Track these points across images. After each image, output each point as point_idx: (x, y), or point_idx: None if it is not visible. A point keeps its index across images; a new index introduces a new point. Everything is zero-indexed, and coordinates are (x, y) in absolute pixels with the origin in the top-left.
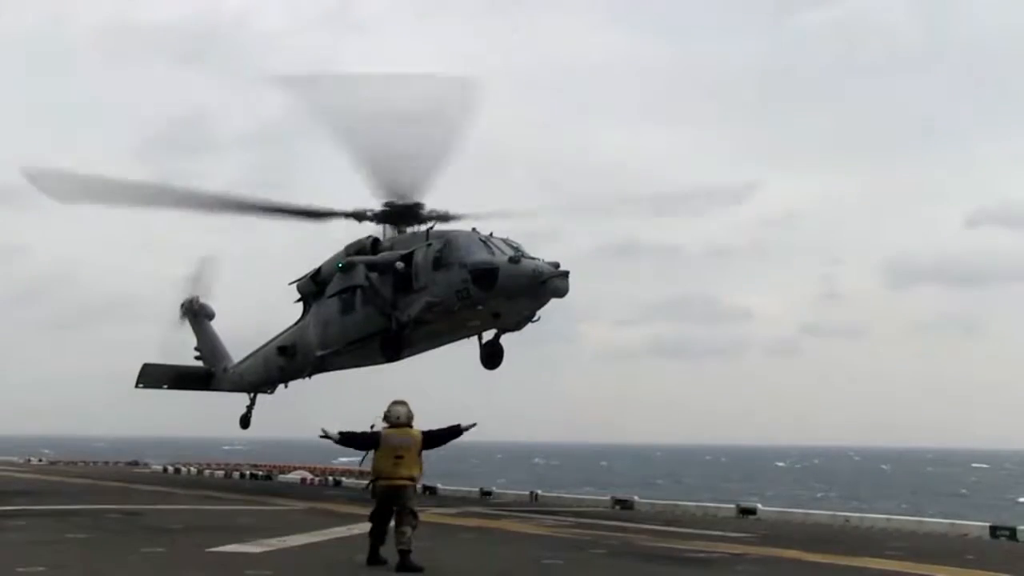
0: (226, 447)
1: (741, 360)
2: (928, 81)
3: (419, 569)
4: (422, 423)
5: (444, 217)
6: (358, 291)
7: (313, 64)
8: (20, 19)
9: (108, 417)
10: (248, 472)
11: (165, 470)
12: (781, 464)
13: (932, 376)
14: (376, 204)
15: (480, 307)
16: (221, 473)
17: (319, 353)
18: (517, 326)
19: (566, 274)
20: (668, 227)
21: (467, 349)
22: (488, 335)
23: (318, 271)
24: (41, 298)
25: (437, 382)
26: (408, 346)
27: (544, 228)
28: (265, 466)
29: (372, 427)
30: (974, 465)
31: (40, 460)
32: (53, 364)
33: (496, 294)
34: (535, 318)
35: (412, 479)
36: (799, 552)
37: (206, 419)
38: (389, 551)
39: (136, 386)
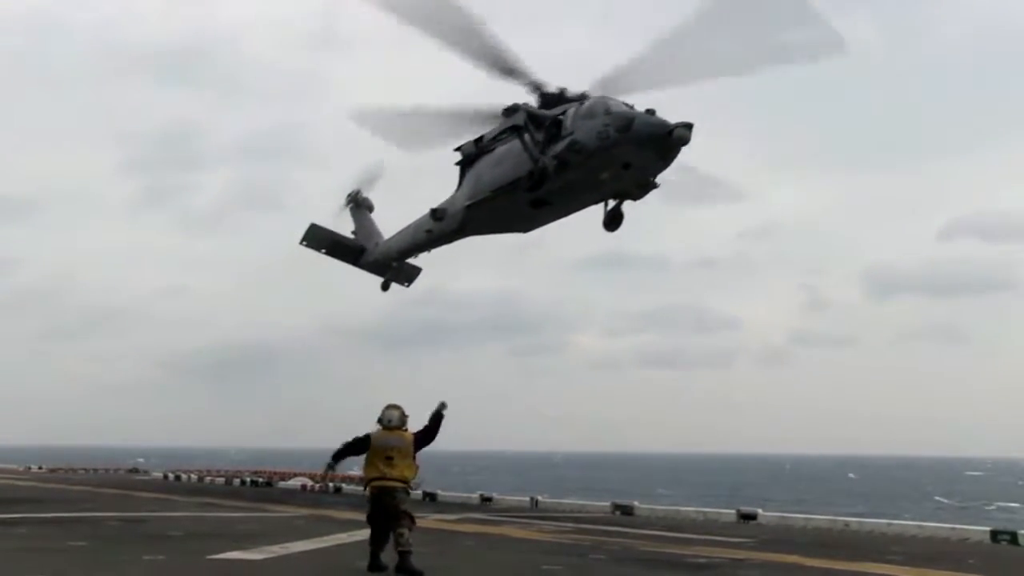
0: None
1: (728, 370)
2: (903, 95)
3: (418, 572)
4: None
5: (583, 100)
6: (514, 135)
7: (300, 79)
8: (14, 38)
9: (99, 428)
10: (248, 479)
11: (165, 477)
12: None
13: (917, 384)
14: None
15: (614, 151)
16: (222, 480)
17: (467, 203)
18: (640, 190)
19: (690, 125)
20: (656, 237)
21: (477, 357)
22: (611, 204)
23: (480, 137)
24: (34, 310)
25: (437, 391)
26: (548, 197)
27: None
28: (266, 473)
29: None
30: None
31: (40, 468)
32: (45, 374)
33: (630, 138)
34: (656, 183)
35: (404, 481)
36: (799, 557)
37: (202, 430)
38: (390, 557)
39: (300, 243)
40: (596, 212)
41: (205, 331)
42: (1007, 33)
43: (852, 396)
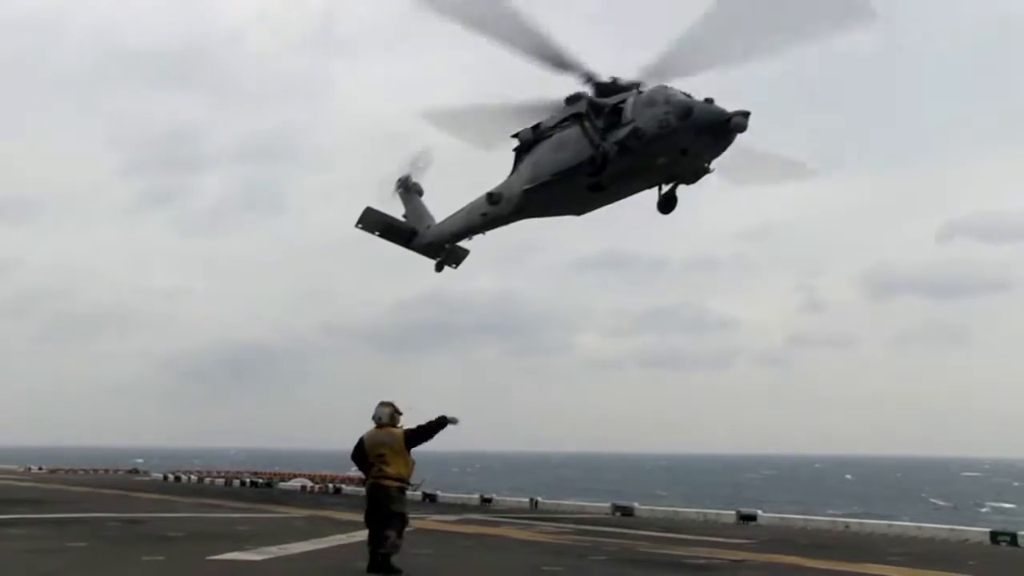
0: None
1: (727, 371)
2: (902, 97)
3: (396, 571)
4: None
5: (640, 89)
6: (574, 122)
7: (298, 81)
8: (14, 39)
9: (99, 428)
10: (248, 480)
11: (165, 478)
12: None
13: (916, 385)
14: (586, 88)
15: (674, 137)
16: (221, 481)
17: (526, 187)
18: (694, 176)
19: (747, 113)
20: (656, 238)
21: (477, 358)
22: (666, 188)
23: (538, 124)
24: (35, 311)
25: (437, 391)
26: (605, 181)
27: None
28: (265, 474)
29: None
30: (964, 473)
31: (40, 468)
32: (45, 374)
33: (689, 125)
34: (710, 168)
35: (399, 479)
36: (799, 558)
37: (202, 430)
38: (394, 559)
39: (356, 226)
40: (598, 212)
41: (205, 331)
42: (1007, 34)
43: (851, 397)
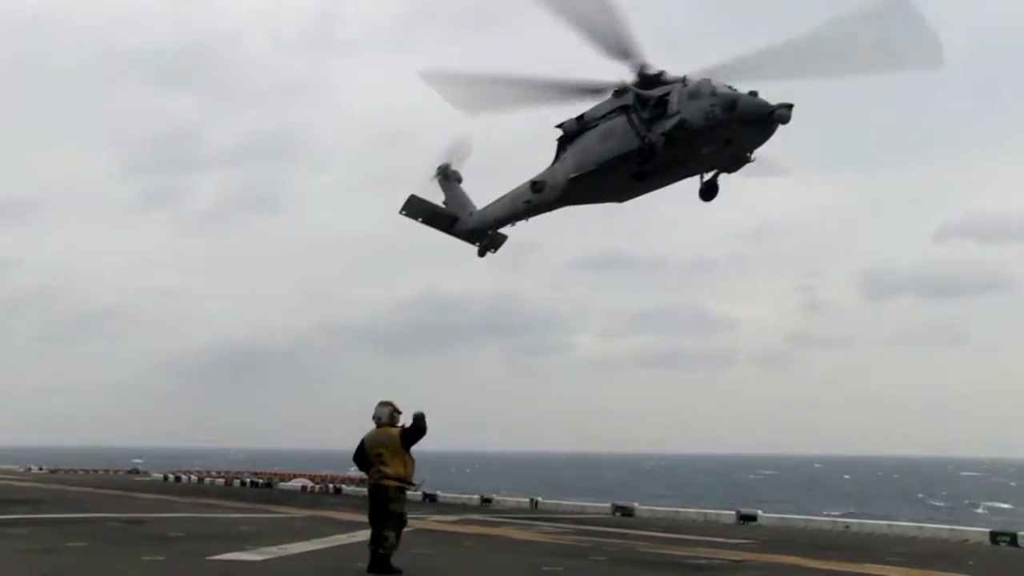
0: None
1: (726, 371)
2: (900, 96)
3: (396, 571)
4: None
5: (686, 82)
6: (621, 113)
7: (298, 82)
8: (14, 39)
9: (99, 428)
10: (249, 480)
11: (165, 478)
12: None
13: (914, 385)
14: (631, 76)
15: (719, 129)
16: (222, 481)
17: (572, 175)
18: (736, 163)
19: (791, 106)
20: (654, 238)
21: (476, 358)
22: (707, 176)
23: (582, 115)
24: (34, 310)
25: (436, 392)
26: (649, 171)
27: None
28: (266, 474)
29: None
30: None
31: (40, 468)
32: (45, 374)
33: (734, 117)
34: (751, 158)
35: (398, 478)
36: (799, 559)
37: (202, 430)
38: (394, 559)
39: (400, 212)
40: (592, 211)
41: (205, 331)
42: (1007, 34)
43: (850, 397)
